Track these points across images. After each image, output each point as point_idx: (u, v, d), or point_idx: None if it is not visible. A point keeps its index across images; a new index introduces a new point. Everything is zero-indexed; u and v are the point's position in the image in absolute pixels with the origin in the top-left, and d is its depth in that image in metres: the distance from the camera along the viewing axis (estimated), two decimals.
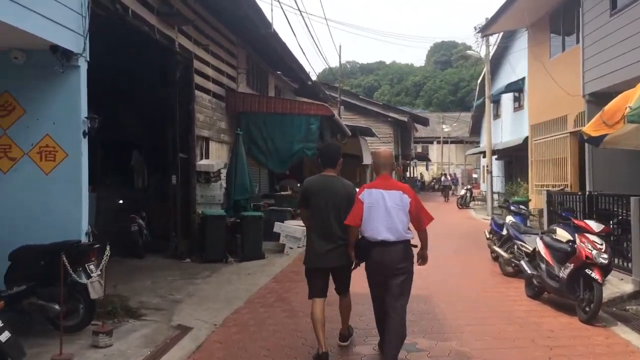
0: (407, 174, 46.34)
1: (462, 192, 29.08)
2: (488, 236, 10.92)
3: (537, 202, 15.55)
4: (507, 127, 24.59)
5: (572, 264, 6.44)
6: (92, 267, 5.63)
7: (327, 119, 14.30)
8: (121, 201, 12.30)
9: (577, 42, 13.18)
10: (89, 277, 5.53)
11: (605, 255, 6.26)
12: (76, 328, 5.61)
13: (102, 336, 5.13)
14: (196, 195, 11.49)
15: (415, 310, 6.08)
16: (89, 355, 5.01)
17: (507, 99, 24.56)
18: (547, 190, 11.80)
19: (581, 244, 6.45)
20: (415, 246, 4.79)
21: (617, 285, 7.62)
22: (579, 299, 6.33)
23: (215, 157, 12.66)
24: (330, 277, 5.10)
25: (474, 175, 46.39)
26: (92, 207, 12.27)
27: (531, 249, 8.34)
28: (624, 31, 9.98)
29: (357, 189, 5.02)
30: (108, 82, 12.31)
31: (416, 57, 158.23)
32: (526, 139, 18.30)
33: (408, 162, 43.61)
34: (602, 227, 6.73)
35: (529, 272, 7.51)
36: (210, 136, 12.50)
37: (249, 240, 10.96)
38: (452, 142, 55.45)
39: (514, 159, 24.60)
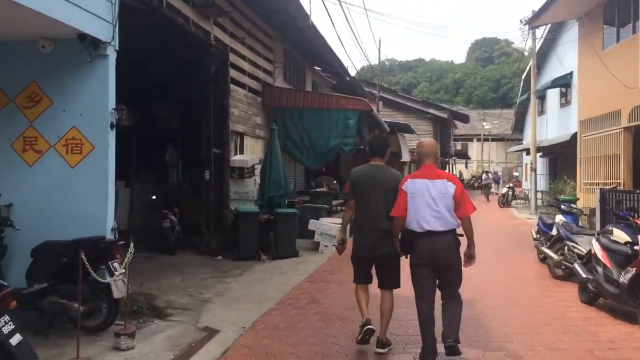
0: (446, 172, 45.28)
1: (504, 190, 28.14)
2: (535, 236, 10.31)
3: (585, 200, 14.74)
4: (552, 124, 23.61)
5: (634, 269, 5.84)
6: (115, 264, 5.37)
7: (365, 114, 13.84)
8: (154, 197, 12.18)
9: (634, 31, 12.38)
10: (112, 275, 5.27)
11: None
12: (99, 328, 5.37)
13: (123, 338, 4.84)
14: (229, 191, 11.25)
15: None
16: (110, 358, 4.74)
17: (552, 95, 23.58)
18: (601, 189, 11.07)
19: None
20: (462, 235, 4.63)
21: None
22: None
23: (250, 153, 12.40)
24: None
25: (515, 174, 45.05)
26: (126, 202, 12.32)
27: (584, 250, 7.74)
28: None
29: None
30: (143, 75, 12.19)
31: (456, 54, 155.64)
32: (574, 135, 17.43)
33: (447, 159, 42.62)
34: None
35: (583, 276, 6.92)
36: (245, 131, 12.24)
37: (283, 237, 10.63)
38: (492, 140, 54.08)
39: (559, 157, 23.64)
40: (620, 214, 7.69)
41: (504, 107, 55.34)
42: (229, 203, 11.18)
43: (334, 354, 4.91)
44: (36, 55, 5.91)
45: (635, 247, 6.12)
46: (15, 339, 3.57)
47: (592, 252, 6.88)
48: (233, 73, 11.48)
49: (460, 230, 4.64)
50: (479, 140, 54.32)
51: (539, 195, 23.31)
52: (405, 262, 4.85)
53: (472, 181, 46.50)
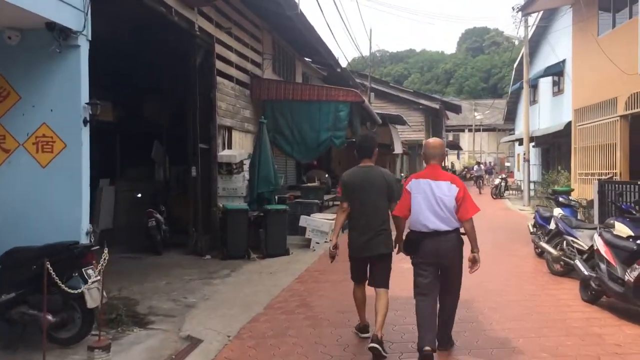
0: None
1: (497, 181, 27.89)
2: (532, 230, 10.01)
3: (581, 191, 14.49)
4: (545, 113, 23.34)
5: None
6: (90, 271, 5.01)
7: (356, 106, 13.48)
8: (139, 195, 11.79)
9: (630, 16, 12.08)
10: (86, 282, 4.90)
11: None
12: (73, 340, 5.01)
13: (98, 352, 4.47)
14: (217, 188, 10.90)
15: (456, 317, 5.30)
16: None
17: (545, 83, 23.28)
18: (598, 179, 10.77)
19: None
20: (464, 234, 4.65)
21: None
22: None
23: (239, 148, 12.02)
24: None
25: (507, 164, 44.87)
26: (111, 201, 11.92)
27: (585, 245, 7.44)
28: None
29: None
30: (127, 69, 11.78)
31: (447, 44, 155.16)
32: (568, 124, 17.15)
33: None
34: None
35: (585, 273, 6.63)
36: (233, 125, 11.85)
37: (273, 235, 10.28)
38: (484, 130, 53.94)
39: (552, 146, 23.38)
40: (623, 206, 7.39)
41: (495, 97, 55.35)
42: (217, 200, 10.81)
43: None
44: (2, 47, 5.52)
45: None
46: None
47: (595, 247, 6.57)
48: (219, 65, 11.08)
49: (462, 230, 4.66)
50: (470, 130, 54.14)
51: (532, 186, 23.07)
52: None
53: (464, 172, 46.25)
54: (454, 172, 47.17)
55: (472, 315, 5.97)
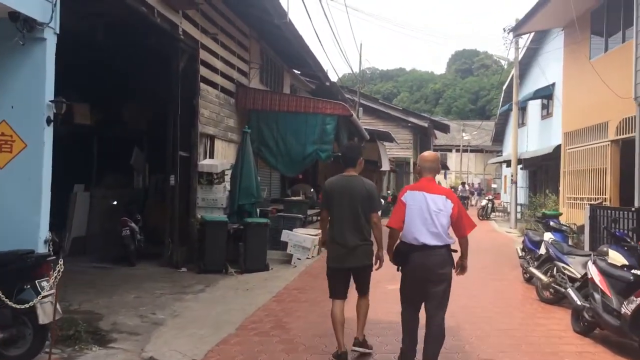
0: None
1: (484, 202, 27.68)
2: (521, 254, 9.69)
3: (569, 216, 14.23)
4: (533, 136, 23.23)
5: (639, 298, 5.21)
6: (44, 284, 4.55)
7: (344, 119, 13.15)
8: (115, 202, 11.30)
9: (623, 40, 11.92)
10: (39, 295, 4.44)
11: None
12: (23, 358, 4.58)
13: None
14: (197, 198, 10.44)
15: (442, 346, 4.92)
16: None
17: (534, 106, 23.22)
18: (590, 205, 10.49)
19: None
20: (456, 251, 4.61)
21: None
22: None
23: (221, 157, 11.61)
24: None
25: (493, 185, 44.85)
26: (85, 207, 11.41)
27: (577, 273, 7.12)
28: None
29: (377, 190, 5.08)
30: (106, 71, 11.38)
31: (436, 64, 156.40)
32: (557, 147, 16.97)
33: None
34: None
35: (578, 303, 6.27)
36: (216, 134, 11.45)
37: (252, 249, 9.84)
38: (471, 151, 54.04)
39: (540, 169, 23.23)
40: (617, 233, 7.07)
41: (483, 119, 55.59)
42: (196, 211, 10.36)
43: None
44: None
45: (637, 272, 5.52)
46: None
47: (589, 276, 6.23)
48: (204, 71, 10.70)
49: (454, 246, 4.59)
50: (458, 151, 54.19)
51: (519, 208, 22.86)
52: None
53: None
54: None
55: (459, 344, 5.58)
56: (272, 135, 12.67)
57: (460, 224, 4.53)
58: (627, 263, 5.94)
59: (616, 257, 6.21)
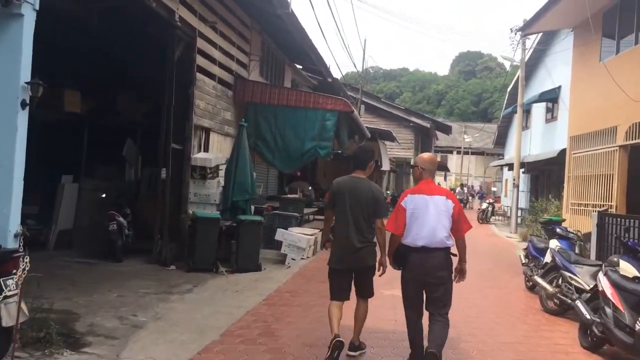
0: None
1: (484, 205, 27.28)
2: (524, 261, 9.31)
3: (573, 222, 13.82)
4: (536, 139, 22.83)
5: None
6: (9, 282, 4.15)
7: (345, 116, 12.74)
8: (104, 195, 10.89)
9: (636, 42, 11.52)
10: (1, 295, 4.05)
11: None
12: None
13: None
14: (189, 193, 10.04)
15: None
16: None
17: (538, 110, 22.81)
18: (599, 212, 10.09)
19: None
20: (455, 255, 4.63)
21: None
22: None
23: (216, 151, 11.22)
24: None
25: (493, 189, 44.45)
26: (73, 199, 11.01)
27: (584, 284, 6.73)
28: None
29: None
30: (99, 57, 10.98)
31: (440, 65, 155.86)
32: (562, 151, 16.55)
33: None
34: None
35: (587, 317, 5.89)
36: (212, 127, 11.06)
37: (245, 248, 9.43)
38: (472, 153, 53.68)
39: (542, 174, 22.86)
40: (629, 243, 6.66)
41: (485, 122, 55.26)
42: (188, 206, 9.97)
43: None
44: None
45: None
46: None
47: (600, 288, 5.84)
48: (200, 61, 10.31)
49: (453, 250, 4.61)
50: (459, 152, 53.83)
51: (519, 212, 22.46)
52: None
53: None
54: None
55: (460, 358, 5.18)
56: (269, 129, 12.28)
57: (458, 224, 4.57)
58: (639, 275, 5.56)
59: (628, 269, 5.81)
